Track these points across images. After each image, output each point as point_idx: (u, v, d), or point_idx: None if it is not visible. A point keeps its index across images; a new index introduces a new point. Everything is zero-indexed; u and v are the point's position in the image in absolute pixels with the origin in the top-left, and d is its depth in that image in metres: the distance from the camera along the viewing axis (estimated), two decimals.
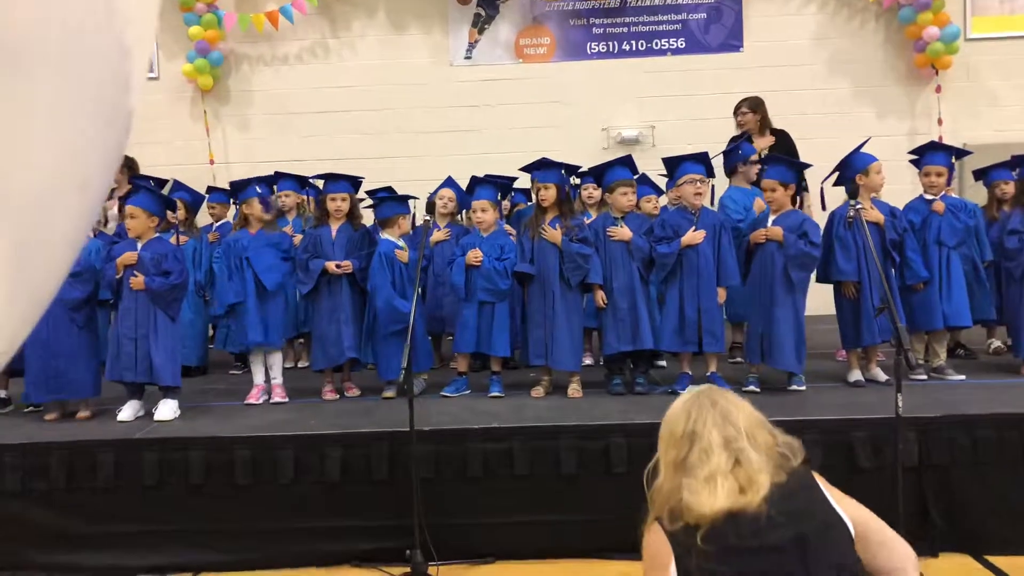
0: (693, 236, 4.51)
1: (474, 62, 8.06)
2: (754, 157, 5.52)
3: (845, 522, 1.80)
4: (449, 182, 5.76)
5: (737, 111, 6.07)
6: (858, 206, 3.94)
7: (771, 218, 4.59)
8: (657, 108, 7.87)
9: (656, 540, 1.81)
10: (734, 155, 5.59)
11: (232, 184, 5.37)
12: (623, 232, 4.59)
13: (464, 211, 5.90)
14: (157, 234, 4.57)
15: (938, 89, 7.70)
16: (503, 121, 7.89)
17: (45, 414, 4.55)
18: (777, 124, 6.34)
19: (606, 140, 7.89)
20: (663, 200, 6.01)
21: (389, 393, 4.76)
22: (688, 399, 1.92)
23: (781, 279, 4.43)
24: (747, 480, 1.76)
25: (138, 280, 4.32)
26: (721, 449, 1.80)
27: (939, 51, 7.51)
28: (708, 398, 1.89)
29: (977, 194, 5.92)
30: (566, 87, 7.94)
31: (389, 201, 4.93)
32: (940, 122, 7.69)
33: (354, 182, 5.02)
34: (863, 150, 4.73)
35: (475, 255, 4.65)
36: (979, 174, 5.55)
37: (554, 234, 4.58)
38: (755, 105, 6.00)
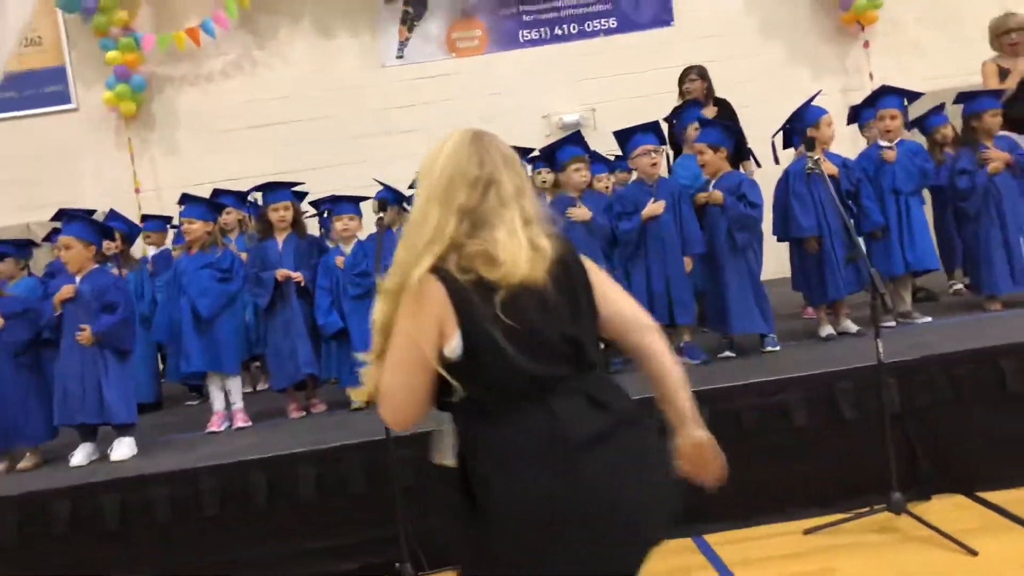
0: (653, 208, 4.42)
1: (406, 61, 7.90)
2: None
3: (594, 289, 1.67)
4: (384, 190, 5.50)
5: (685, 79, 6.02)
6: (816, 158, 3.88)
7: (712, 183, 4.53)
8: (596, 90, 7.83)
9: (434, 291, 1.52)
10: (682, 121, 5.51)
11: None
12: (582, 212, 4.49)
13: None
14: (96, 265, 4.28)
15: (866, 45, 7.81)
16: (442, 118, 7.67)
17: None
18: (717, 92, 6.32)
19: (548, 127, 7.80)
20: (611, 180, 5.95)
21: (358, 405, 4.57)
22: (467, 139, 1.67)
23: (726, 243, 4.39)
24: (535, 238, 1.58)
25: (84, 335, 4.04)
26: (514, 201, 1.60)
27: (863, 7, 7.60)
28: (491, 142, 1.67)
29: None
30: (502, 78, 7.84)
31: (346, 201, 4.74)
32: (871, 77, 7.79)
33: (295, 190, 4.81)
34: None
35: None
36: (915, 123, 5.59)
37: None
38: (703, 73, 5.98)
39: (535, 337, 1.54)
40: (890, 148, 4.85)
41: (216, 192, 5.39)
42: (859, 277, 4.56)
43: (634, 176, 5.09)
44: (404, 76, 7.85)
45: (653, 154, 4.50)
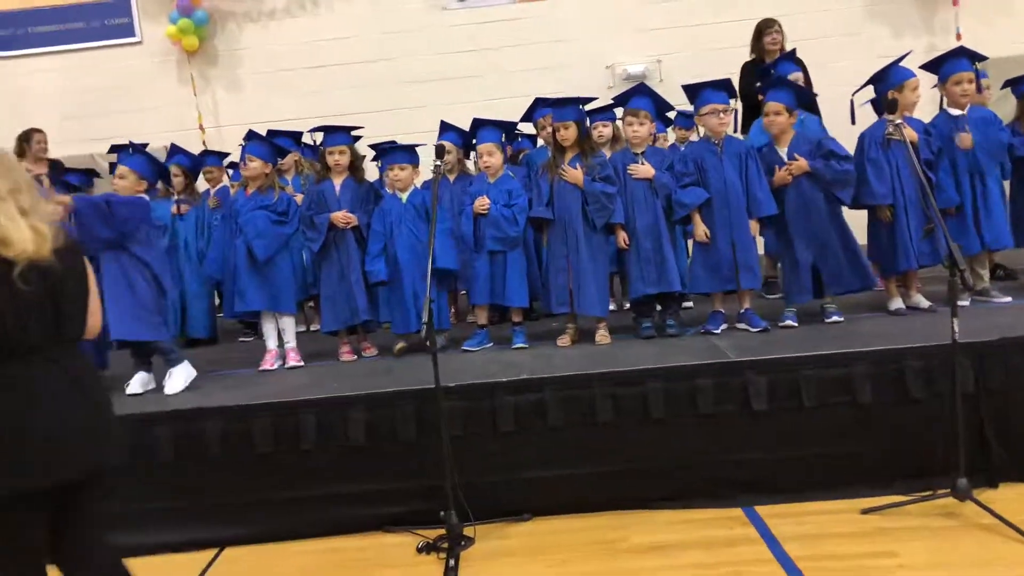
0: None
1: (468, 4, 7.67)
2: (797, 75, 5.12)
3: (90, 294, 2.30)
4: (447, 131, 5.41)
5: (767, 31, 5.70)
6: (897, 122, 3.64)
7: (783, 151, 4.31)
8: (663, 40, 7.53)
9: None
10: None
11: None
12: (645, 169, 4.31)
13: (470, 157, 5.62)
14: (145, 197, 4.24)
15: (955, 2, 7.31)
16: (503, 65, 7.55)
17: None
18: (788, 47, 6.00)
19: (611, 78, 7.55)
20: (672, 136, 5.74)
21: (400, 345, 4.60)
22: None
23: (827, 207, 4.22)
24: (36, 225, 2.12)
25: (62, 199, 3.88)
26: (10, 197, 2.11)
27: None
28: None
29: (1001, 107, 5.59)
30: (566, 25, 7.59)
31: (397, 151, 4.62)
32: (959, 37, 7.31)
33: (352, 133, 4.72)
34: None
35: (481, 203, 4.41)
36: (1011, 83, 5.21)
37: (575, 174, 4.30)
38: (781, 27, 5.68)
39: (30, 307, 2.10)
40: (965, 133, 4.47)
41: (271, 133, 5.31)
42: (934, 250, 4.33)
43: (697, 134, 4.90)
44: (466, 20, 7.64)
45: (722, 114, 4.29)
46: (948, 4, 7.35)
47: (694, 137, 5.59)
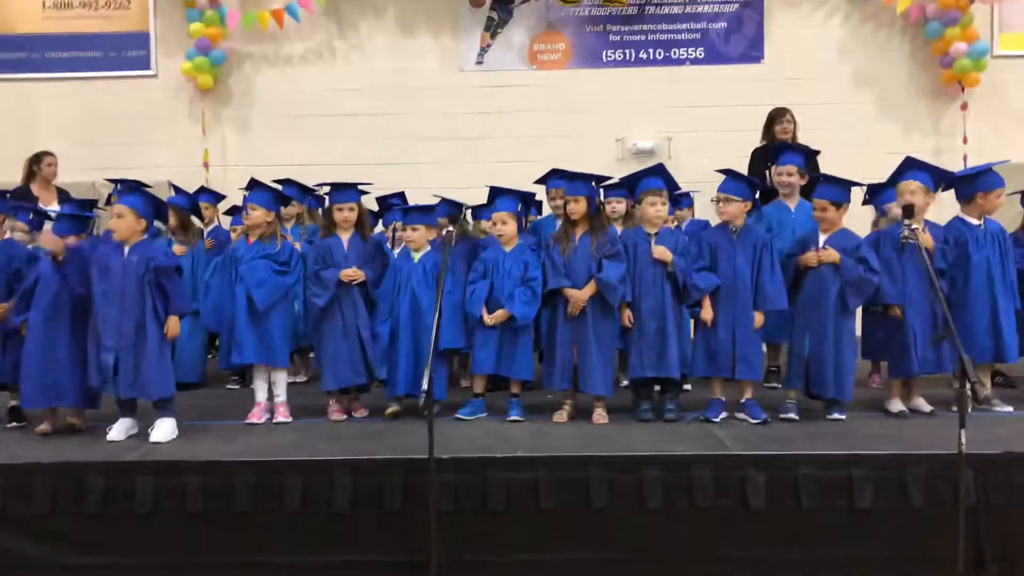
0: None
1: (486, 67, 7.84)
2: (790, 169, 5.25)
3: None
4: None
5: (779, 119, 5.88)
6: (915, 227, 3.70)
7: (822, 238, 4.36)
8: (674, 119, 7.68)
9: None
10: (778, 164, 5.35)
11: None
12: (662, 252, 4.35)
13: (476, 221, 5.66)
14: (144, 236, 4.24)
15: (964, 107, 7.53)
16: (515, 129, 7.67)
17: (35, 426, 4.27)
18: (799, 137, 6.15)
19: (621, 151, 7.68)
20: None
21: (393, 408, 4.56)
22: None
23: (836, 304, 4.23)
24: None
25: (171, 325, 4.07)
26: None
27: (966, 68, 7.33)
28: None
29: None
30: (581, 95, 7.74)
31: (414, 211, 4.66)
32: (965, 140, 7.52)
33: (361, 190, 4.76)
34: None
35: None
36: (1021, 193, 5.31)
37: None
38: (793, 116, 5.83)
39: None
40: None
41: (282, 182, 5.34)
42: (939, 358, 4.35)
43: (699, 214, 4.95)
44: (482, 82, 7.78)
45: (721, 204, 4.35)
46: (956, 108, 7.56)
47: (691, 216, 5.69)
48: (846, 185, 4.41)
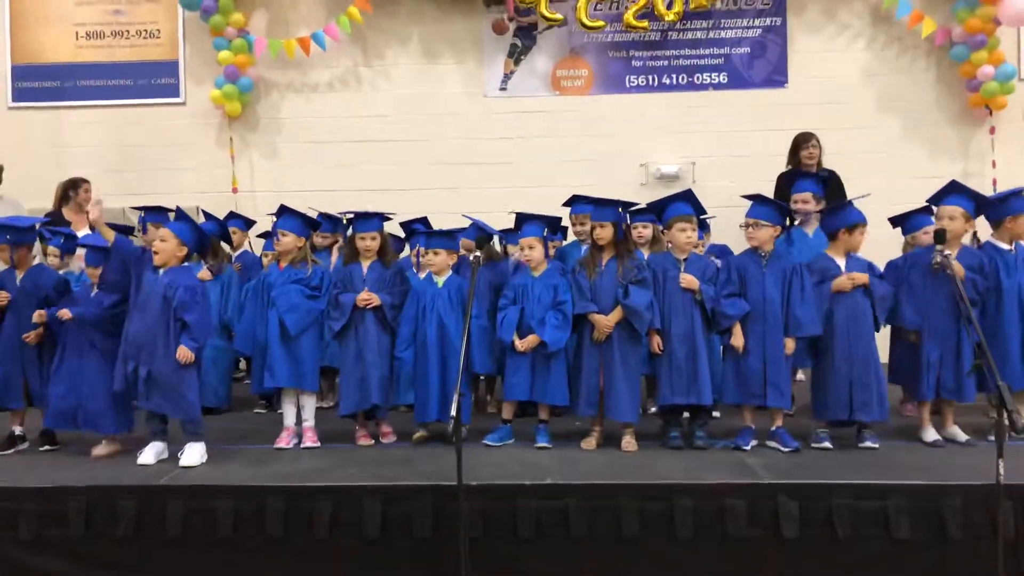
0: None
1: (509, 93, 7.91)
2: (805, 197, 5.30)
3: None
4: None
5: (805, 144, 5.93)
6: (947, 253, 3.69)
7: (841, 262, 4.41)
8: (698, 144, 7.68)
9: None
10: (794, 190, 5.40)
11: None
12: (690, 280, 4.38)
13: (502, 245, 5.71)
14: (182, 263, 4.34)
15: (992, 131, 7.49)
16: (539, 154, 7.71)
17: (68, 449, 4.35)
18: (824, 162, 6.16)
19: (644, 176, 7.69)
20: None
21: (420, 433, 4.60)
22: None
23: (870, 326, 4.26)
24: None
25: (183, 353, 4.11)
26: None
27: (994, 91, 7.30)
28: None
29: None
30: (604, 121, 7.77)
31: (436, 236, 4.74)
32: (994, 164, 7.46)
33: (384, 218, 4.81)
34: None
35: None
36: None
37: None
38: (819, 141, 5.87)
39: None
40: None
41: (321, 216, 5.45)
42: (960, 386, 4.33)
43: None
44: (505, 108, 7.85)
45: (751, 228, 4.38)
46: (984, 132, 7.52)
47: (708, 241, 5.68)
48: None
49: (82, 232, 5.74)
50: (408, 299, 4.61)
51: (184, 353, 4.11)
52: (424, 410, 4.52)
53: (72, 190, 6.58)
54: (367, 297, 4.50)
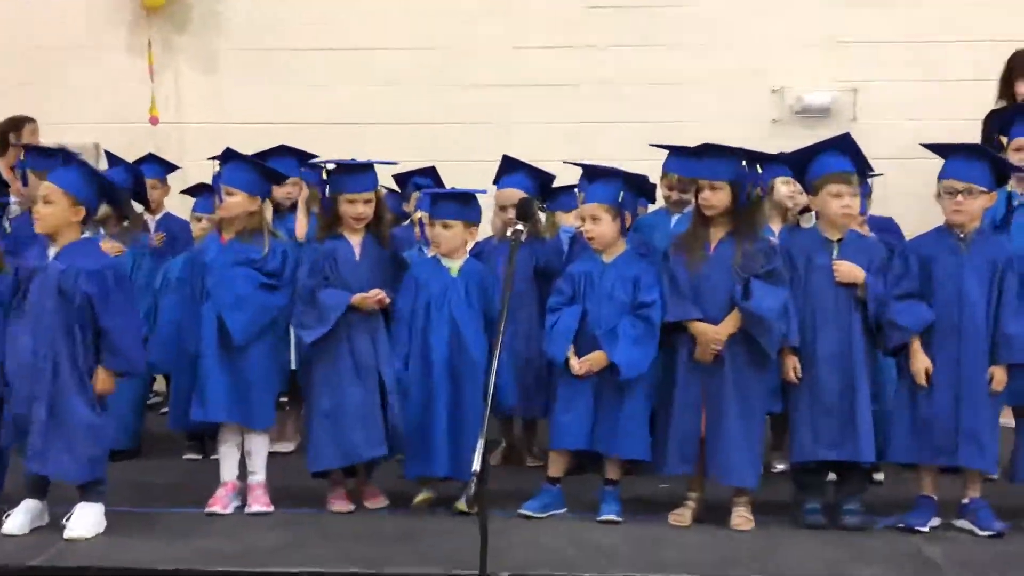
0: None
1: None
2: None
3: None
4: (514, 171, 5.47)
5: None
6: None
7: None
8: (862, 60, 7.64)
9: None
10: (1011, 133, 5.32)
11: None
12: (851, 269, 4.37)
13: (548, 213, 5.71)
14: (85, 235, 4.37)
15: None
16: (615, 72, 7.70)
17: None
18: None
19: (779, 108, 7.68)
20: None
21: (424, 496, 4.67)
22: None
23: None
24: None
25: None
26: None
27: None
28: None
29: None
30: (713, 22, 7.73)
31: (445, 200, 4.74)
32: None
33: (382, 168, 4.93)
34: None
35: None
36: None
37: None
38: None
39: None
40: None
41: (272, 151, 5.48)
42: None
43: None
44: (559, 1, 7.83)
45: (960, 196, 4.29)
46: None
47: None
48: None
49: None
50: (403, 291, 4.63)
51: (104, 381, 4.15)
52: (426, 461, 4.55)
53: (14, 131, 6.89)
54: (379, 299, 4.53)
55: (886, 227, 5.27)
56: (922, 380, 4.29)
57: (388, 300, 4.58)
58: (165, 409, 5.79)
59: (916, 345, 4.32)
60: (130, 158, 6.16)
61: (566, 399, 4.52)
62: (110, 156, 6.21)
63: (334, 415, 4.58)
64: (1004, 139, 5.43)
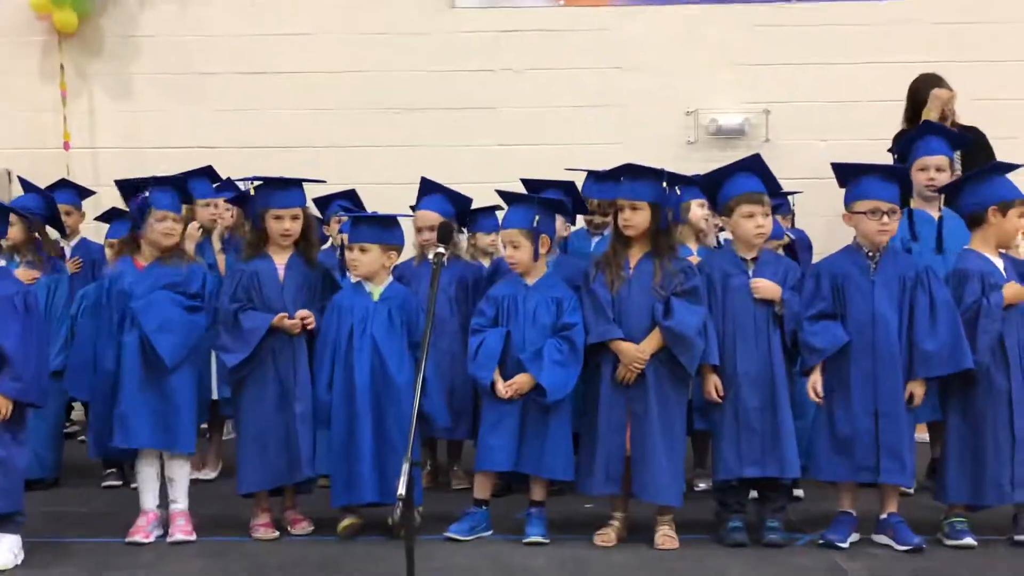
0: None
1: (489, 2, 7.91)
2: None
3: None
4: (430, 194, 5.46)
5: (929, 85, 6.08)
6: None
7: (999, 263, 4.46)
8: (773, 82, 7.77)
9: None
10: (913, 154, 5.40)
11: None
12: (767, 287, 4.42)
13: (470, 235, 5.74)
14: None
15: None
16: (535, 95, 7.76)
17: None
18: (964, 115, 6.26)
19: (694, 130, 7.76)
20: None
21: (349, 521, 4.59)
22: None
23: None
24: None
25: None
26: None
27: None
28: None
29: None
30: (631, 46, 7.84)
31: (361, 224, 4.71)
32: None
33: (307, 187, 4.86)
34: None
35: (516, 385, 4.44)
36: None
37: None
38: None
39: None
40: None
41: (198, 172, 5.44)
42: None
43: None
44: (484, 25, 7.84)
45: (885, 217, 4.36)
46: None
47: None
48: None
49: None
50: (327, 316, 4.62)
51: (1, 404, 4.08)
52: (351, 486, 4.51)
53: None
54: (304, 321, 4.52)
55: (800, 242, 5.35)
56: (812, 396, 4.36)
57: (313, 323, 4.56)
58: (83, 437, 5.75)
59: (817, 368, 4.38)
60: (43, 184, 6.10)
61: (492, 422, 4.52)
62: (23, 182, 6.15)
63: (260, 439, 4.58)
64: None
